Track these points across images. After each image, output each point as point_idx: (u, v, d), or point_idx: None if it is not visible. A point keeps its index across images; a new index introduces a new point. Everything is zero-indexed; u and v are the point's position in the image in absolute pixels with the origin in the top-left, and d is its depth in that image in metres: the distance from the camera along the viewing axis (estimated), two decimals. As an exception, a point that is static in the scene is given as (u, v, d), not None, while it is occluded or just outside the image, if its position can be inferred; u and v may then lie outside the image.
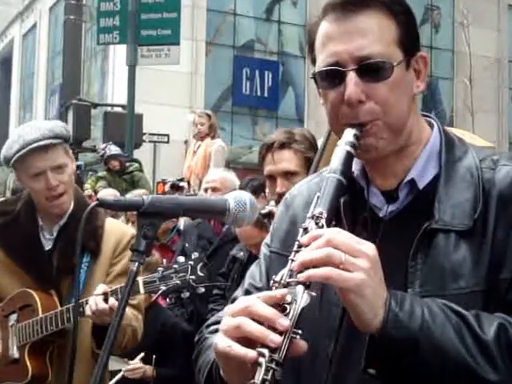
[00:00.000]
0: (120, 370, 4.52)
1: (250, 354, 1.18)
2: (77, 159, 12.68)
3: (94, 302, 2.46)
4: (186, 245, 5.49)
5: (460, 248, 1.35)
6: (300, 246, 1.26)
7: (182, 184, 7.79)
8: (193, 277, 2.41)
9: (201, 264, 2.42)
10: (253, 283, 1.61)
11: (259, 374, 1.17)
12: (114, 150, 9.15)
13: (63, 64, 13.54)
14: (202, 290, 2.43)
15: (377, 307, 1.23)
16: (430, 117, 1.54)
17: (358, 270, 1.21)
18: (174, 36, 10.68)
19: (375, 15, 1.40)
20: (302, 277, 1.21)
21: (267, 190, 3.02)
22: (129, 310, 2.65)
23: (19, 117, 26.85)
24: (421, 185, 1.43)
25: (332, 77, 1.40)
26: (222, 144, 8.46)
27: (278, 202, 2.90)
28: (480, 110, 14.97)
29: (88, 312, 2.48)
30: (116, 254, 2.73)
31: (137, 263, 1.45)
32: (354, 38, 1.38)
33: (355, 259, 1.21)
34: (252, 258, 4.32)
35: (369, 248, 1.24)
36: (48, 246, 2.73)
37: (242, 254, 4.40)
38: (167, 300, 5.57)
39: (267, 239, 1.65)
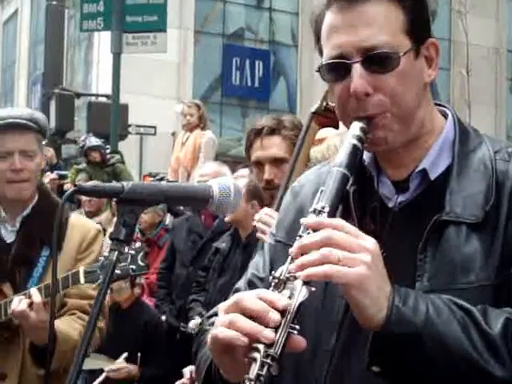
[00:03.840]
0: (103, 370, 4.53)
1: (242, 337, 1.19)
2: (60, 152, 12.65)
3: (17, 301, 2.49)
4: (175, 240, 5.49)
5: (471, 241, 1.35)
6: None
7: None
8: (133, 266, 2.49)
9: (141, 253, 2.51)
10: (255, 273, 1.62)
11: (254, 369, 1.17)
12: (93, 141, 9.13)
13: (45, 52, 13.46)
14: (142, 280, 2.51)
15: (380, 302, 1.23)
16: (444, 106, 1.54)
17: (358, 264, 1.21)
18: (160, 22, 10.62)
19: (380, 3, 1.39)
20: (301, 275, 1.22)
21: (255, 177, 3.02)
22: (78, 324, 2.63)
23: (0, 107, 26.69)
24: (432, 175, 1.43)
25: (337, 70, 1.41)
26: (213, 136, 8.44)
27: (265, 189, 2.89)
28: (477, 101, 14.99)
29: (9, 311, 2.52)
30: (81, 250, 2.74)
31: (116, 252, 1.45)
32: (359, 29, 1.37)
33: (355, 254, 1.22)
34: (233, 249, 4.36)
35: (369, 242, 1.25)
36: (10, 238, 2.75)
37: (223, 245, 4.44)
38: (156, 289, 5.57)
39: (272, 229, 1.66)
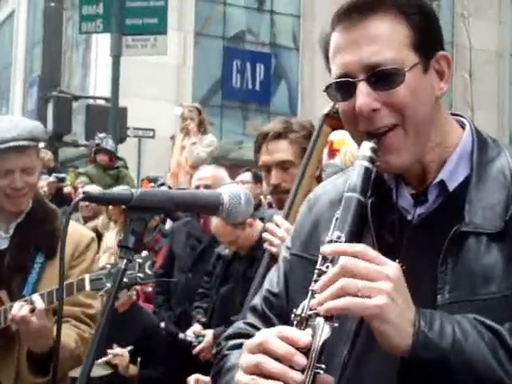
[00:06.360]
0: (103, 376, 4.54)
1: None
2: (56, 155, 12.64)
3: (18, 307, 2.48)
4: (174, 245, 5.48)
5: (491, 251, 1.33)
6: (320, 275, 1.26)
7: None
8: (140, 275, 2.49)
9: (149, 262, 2.51)
10: (270, 289, 1.61)
11: None
12: (110, 144, 9.14)
13: (43, 54, 13.47)
14: (149, 289, 2.46)
15: (404, 330, 1.22)
16: (461, 116, 1.52)
17: (378, 294, 1.20)
18: (160, 25, 10.64)
19: (383, 19, 1.37)
20: (321, 310, 1.21)
21: (263, 181, 3.00)
22: (73, 331, 2.64)
23: (-5, 109, 26.73)
24: (451, 186, 1.42)
25: (343, 89, 1.40)
26: (214, 139, 8.43)
27: (272, 194, 2.88)
28: (480, 105, 15.04)
29: (9, 317, 2.51)
30: (75, 256, 2.73)
31: (125, 260, 1.45)
32: (362, 46, 1.36)
33: (375, 283, 1.21)
34: (237, 255, 4.36)
35: (390, 268, 1.23)
36: (3, 244, 2.75)
37: (226, 251, 4.43)
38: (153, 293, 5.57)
39: (288, 242, 1.65)
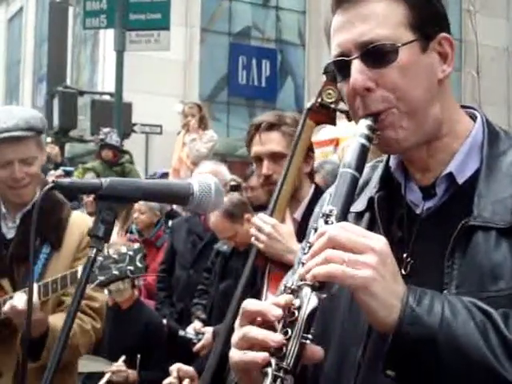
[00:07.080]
0: (103, 372, 4.53)
1: (259, 355, 1.19)
2: (63, 150, 12.70)
3: (17, 300, 2.51)
4: (175, 241, 5.48)
5: (501, 247, 1.30)
6: (310, 247, 1.26)
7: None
8: (131, 267, 2.49)
9: (140, 255, 2.50)
10: None
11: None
12: (114, 139, 9.15)
13: (48, 49, 13.50)
14: (141, 282, 2.44)
15: (390, 304, 1.21)
16: (473, 109, 1.49)
17: (363, 266, 1.19)
18: (163, 20, 10.68)
19: (380, 0, 1.37)
20: (308, 278, 1.21)
21: (254, 173, 2.99)
22: (76, 322, 2.69)
23: (5, 105, 26.84)
24: (460, 180, 1.39)
25: (341, 69, 1.39)
26: (215, 135, 8.46)
27: (263, 185, 2.87)
28: (488, 102, 14.95)
29: (5, 309, 2.54)
30: (81, 247, 2.75)
31: (95, 249, 1.45)
32: (357, 25, 1.36)
33: (360, 256, 1.20)
34: (235, 251, 4.35)
35: (377, 242, 1.23)
36: (11, 234, 2.78)
37: (225, 247, 4.43)
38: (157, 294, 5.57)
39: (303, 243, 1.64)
